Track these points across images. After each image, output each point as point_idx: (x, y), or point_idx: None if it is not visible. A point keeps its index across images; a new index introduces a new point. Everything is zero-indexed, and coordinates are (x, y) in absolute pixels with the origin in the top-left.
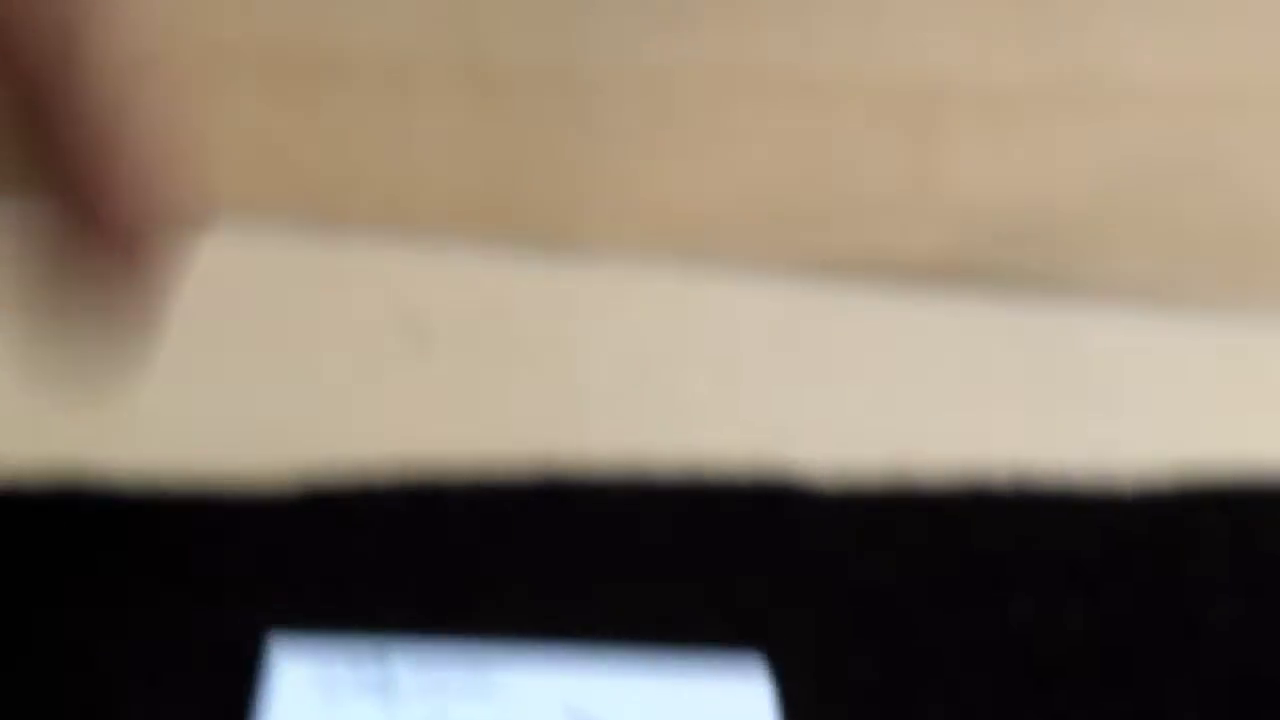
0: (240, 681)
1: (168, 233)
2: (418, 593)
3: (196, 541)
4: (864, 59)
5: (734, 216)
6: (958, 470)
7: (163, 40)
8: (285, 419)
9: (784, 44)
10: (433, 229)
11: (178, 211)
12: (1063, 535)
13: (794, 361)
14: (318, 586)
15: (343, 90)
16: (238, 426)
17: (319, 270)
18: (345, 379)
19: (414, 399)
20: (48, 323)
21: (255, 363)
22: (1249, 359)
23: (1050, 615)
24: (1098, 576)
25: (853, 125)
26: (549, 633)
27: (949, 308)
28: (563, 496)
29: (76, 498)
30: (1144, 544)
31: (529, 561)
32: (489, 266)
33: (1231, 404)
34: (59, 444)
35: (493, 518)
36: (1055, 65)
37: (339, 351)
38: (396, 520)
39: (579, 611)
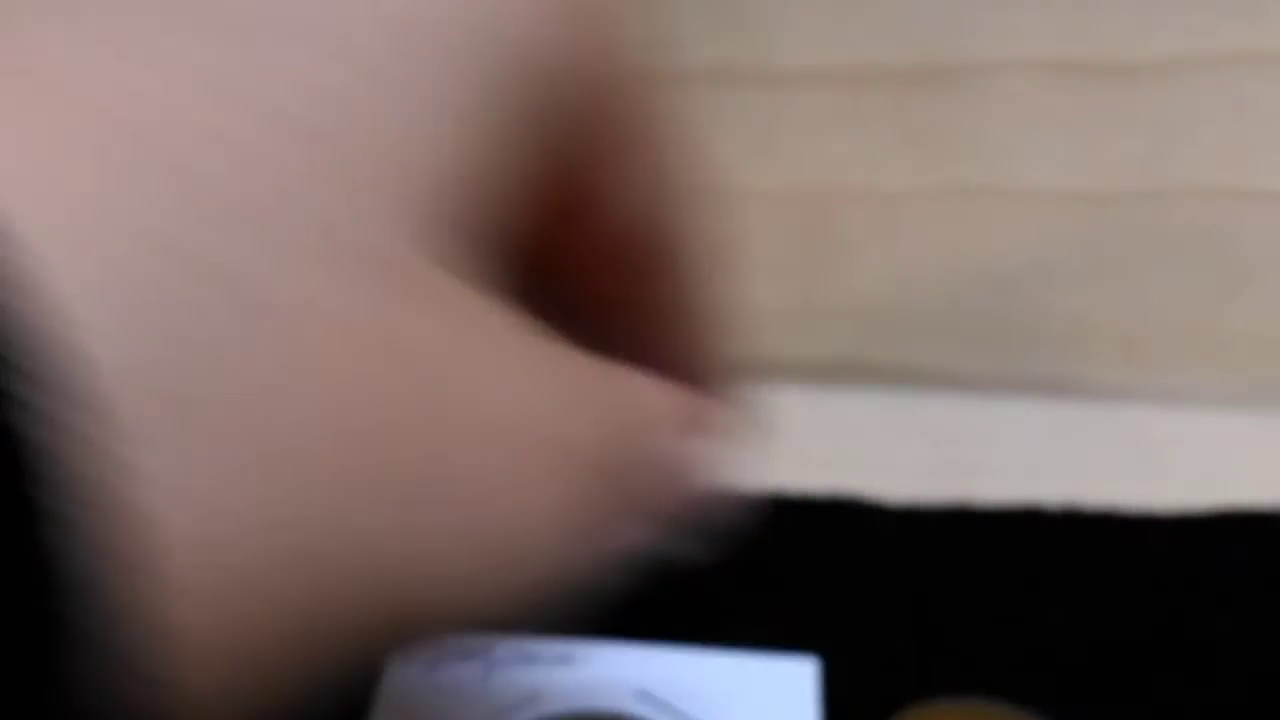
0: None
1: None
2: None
3: None
4: (758, 167)
5: None
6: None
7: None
8: None
9: None
10: None
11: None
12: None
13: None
14: None
15: None
16: None
17: None
18: None
19: None
20: None
21: None
22: (1140, 437)
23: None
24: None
25: (748, 229)
26: (627, 627)
27: (846, 404)
28: None
29: None
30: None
31: None
32: None
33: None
34: None
35: None
36: (941, 171)
37: None
38: None
39: (655, 609)
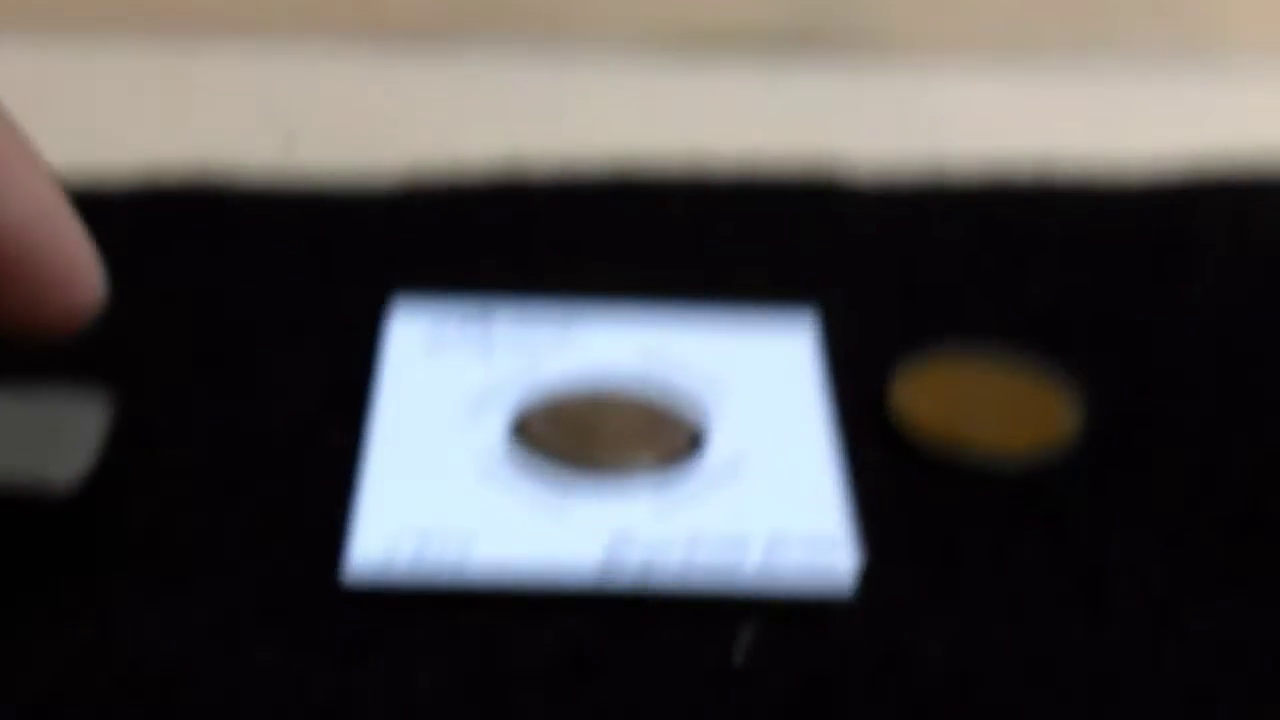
0: (364, 341)
1: None
2: (512, 266)
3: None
4: None
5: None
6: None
7: None
8: None
9: None
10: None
11: None
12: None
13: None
14: (426, 263)
15: None
16: None
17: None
18: None
19: None
20: None
21: None
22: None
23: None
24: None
25: None
26: (624, 297)
27: (808, 74)
28: (634, 188)
29: (213, 194)
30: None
31: (605, 241)
32: (349, 63)
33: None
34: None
35: (573, 203)
36: None
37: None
38: (491, 205)
39: (650, 282)
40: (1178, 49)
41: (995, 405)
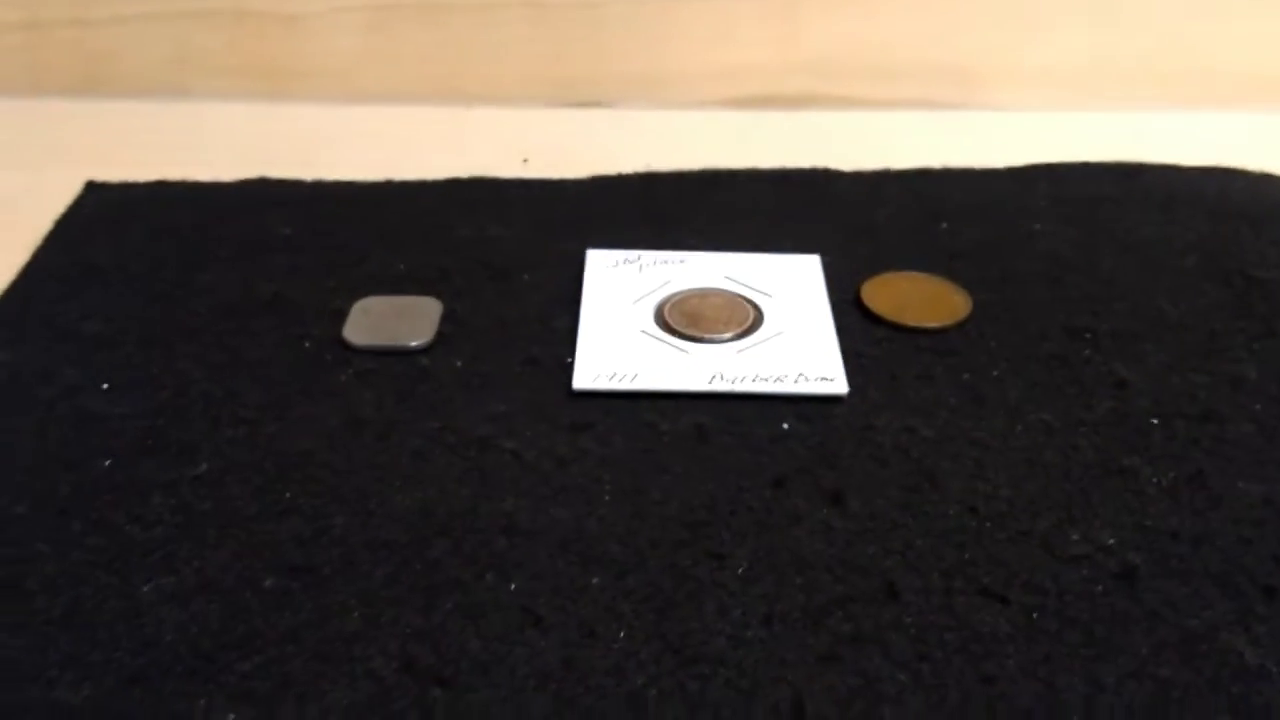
0: (574, 269)
1: None
2: (650, 230)
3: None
4: None
5: None
6: None
7: None
8: None
9: None
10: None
11: None
12: None
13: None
14: (606, 227)
15: None
16: None
17: None
18: None
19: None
20: None
21: None
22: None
23: None
24: None
25: None
26: (712, 248)
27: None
28: (720, 184)
29: (489, 188)
30: None
31: (694, 219)
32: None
33: None
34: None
35: (682, 196)
36: None
37: None
38: (637, 198)
39: (726, 240)
40: None
41: (921, 299)
